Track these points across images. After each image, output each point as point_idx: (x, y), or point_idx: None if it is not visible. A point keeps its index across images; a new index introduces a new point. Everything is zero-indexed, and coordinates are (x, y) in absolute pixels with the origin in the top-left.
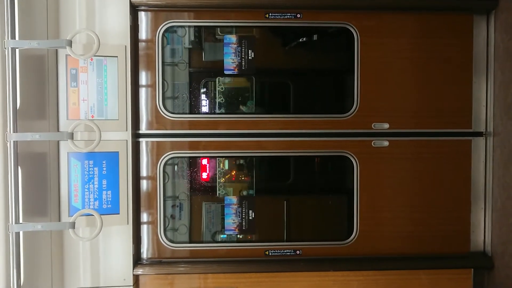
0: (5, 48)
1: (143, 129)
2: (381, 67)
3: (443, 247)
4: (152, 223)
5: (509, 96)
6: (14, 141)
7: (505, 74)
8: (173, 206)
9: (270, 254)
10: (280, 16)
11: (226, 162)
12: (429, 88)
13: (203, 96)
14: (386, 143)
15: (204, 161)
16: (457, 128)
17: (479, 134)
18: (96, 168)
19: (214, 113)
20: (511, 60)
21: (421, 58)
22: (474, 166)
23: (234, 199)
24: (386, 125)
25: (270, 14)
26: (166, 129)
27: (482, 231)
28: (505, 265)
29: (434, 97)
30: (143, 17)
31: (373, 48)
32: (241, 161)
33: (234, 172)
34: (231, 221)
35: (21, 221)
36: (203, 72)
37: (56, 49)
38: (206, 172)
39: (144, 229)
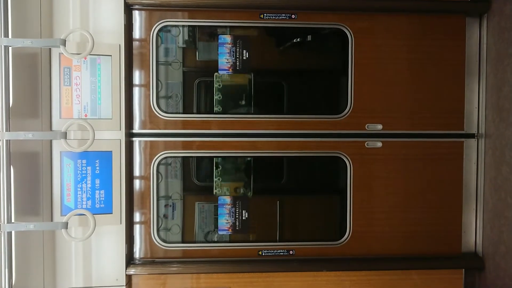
0: None
1: (136, 129)
2: (375, 69)
3: (435, 247)
4: (145, 223)
5: (501, 98)
6: (6, 140)
7: (497, 76)
8: (166, 205)
9: (263, 254)
10: (274, 16)
11: (220, 162)
12: (422, 89)
13: (196, 96)
14: (379, 144)
15: None
16: (449, 129)
17: (471, 135)
18: (89, 168)
19: (208, 113)
20: (503, 62)
21: (415, 60)
22: (466, 168)
23: (227, 199)
24: (380, 126)
25: (265, 14)
26: (160, 129)
27: (473, 232)
28: (495, 266)
29: (427, 99)
30: (137, 16)
31: (367, 49)
32: (235, 161)
33: (228, 172)
34: (225, 221)
35: (13, 220)
36: (197, 72)
37: (50, 48)
38: None
39: (137, 229)
